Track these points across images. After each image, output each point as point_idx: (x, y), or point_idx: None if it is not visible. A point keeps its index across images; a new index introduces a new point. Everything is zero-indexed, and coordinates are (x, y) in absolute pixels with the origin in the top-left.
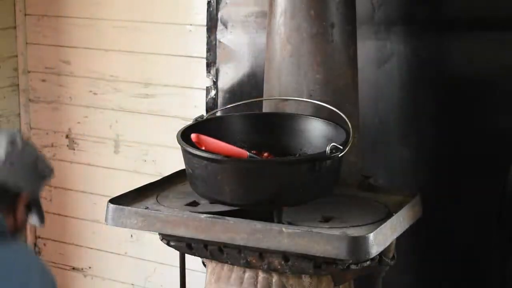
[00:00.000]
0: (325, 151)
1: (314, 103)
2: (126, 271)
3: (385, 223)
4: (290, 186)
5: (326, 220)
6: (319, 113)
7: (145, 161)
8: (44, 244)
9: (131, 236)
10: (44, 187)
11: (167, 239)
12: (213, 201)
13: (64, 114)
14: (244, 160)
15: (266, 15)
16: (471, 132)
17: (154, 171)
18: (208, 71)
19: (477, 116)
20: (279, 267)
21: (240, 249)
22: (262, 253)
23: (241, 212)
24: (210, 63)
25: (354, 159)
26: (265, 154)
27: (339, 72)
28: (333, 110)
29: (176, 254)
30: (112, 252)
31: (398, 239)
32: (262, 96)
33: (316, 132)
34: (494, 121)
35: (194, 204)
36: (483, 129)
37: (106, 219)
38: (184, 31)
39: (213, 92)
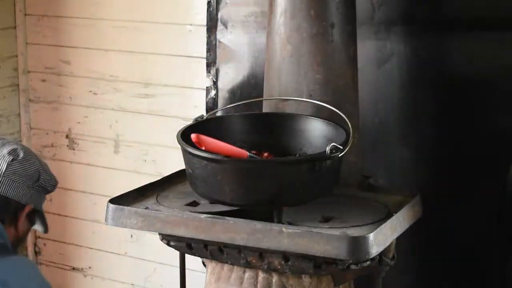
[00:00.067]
0: (325, 151)
1: (314, 103)
2: (126, 271)
3: (385, 223)
4: (290, 186)
5: (326, 220)
6: (319, 113)
7: (145, 161)
8: (44, 244)
9: (131, 236)
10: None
11: (167, 239)
12: (213, 201)
13: (64, 114)
14: (244, 160)
15: (266, 15)
16: (471, 132)
17: (154, 171)
18: (208, 71)
19: (477, 116)
20: (279, 267)
21: (240, 249)
22: (262, 253)
23: (241, 212)
24: (210, 63)
25: (354, 159)
26: (265, 154)
27: (339, 72)
28: (333, 110)
29: (176, 254)
30: (112, 252)
31: (398, 239)
32: (262, 96)
33: (316, 132)
34: (494, 121)
35: (194, 204)
36: (483, 129)
37: (106, 219)
38: (184, 31)
39: (213, 92)
